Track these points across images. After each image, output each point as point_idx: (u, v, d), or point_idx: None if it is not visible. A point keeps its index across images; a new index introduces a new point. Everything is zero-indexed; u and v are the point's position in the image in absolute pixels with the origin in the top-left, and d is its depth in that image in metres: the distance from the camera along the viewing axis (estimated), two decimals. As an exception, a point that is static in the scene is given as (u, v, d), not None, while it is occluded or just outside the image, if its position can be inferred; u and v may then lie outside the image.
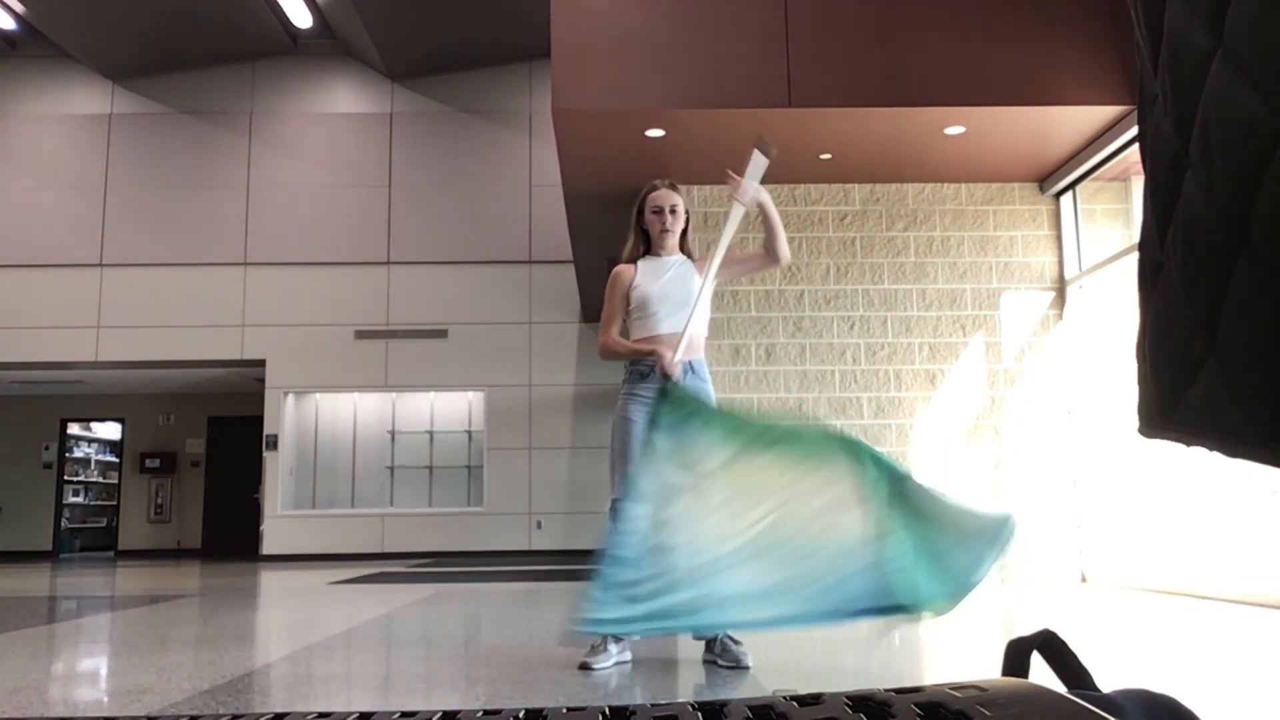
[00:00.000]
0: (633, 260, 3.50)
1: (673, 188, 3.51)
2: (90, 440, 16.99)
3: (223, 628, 4.72)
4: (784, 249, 3.40)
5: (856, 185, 7.12)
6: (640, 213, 3.51)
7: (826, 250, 7.03)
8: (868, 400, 6.87)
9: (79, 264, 12.55)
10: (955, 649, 3.84)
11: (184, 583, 8.37)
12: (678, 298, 3.37)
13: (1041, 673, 0.66)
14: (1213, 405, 0.61)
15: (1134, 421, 0.72)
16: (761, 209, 3.33)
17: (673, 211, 3.45)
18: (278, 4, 11.82)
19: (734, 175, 3.23)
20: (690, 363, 3.36)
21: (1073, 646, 0.66)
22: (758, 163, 3.21)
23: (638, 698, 2.77)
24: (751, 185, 3.22)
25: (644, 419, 3.26)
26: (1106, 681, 0.64)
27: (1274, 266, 0.55)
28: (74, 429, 16.12)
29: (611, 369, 12.86)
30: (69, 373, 13.16)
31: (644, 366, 3.35)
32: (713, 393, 3.43)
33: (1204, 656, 3.55)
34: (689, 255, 3.55)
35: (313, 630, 4.59)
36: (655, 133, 6.20)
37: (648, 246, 3.52)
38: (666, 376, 3.21)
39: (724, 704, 0.60)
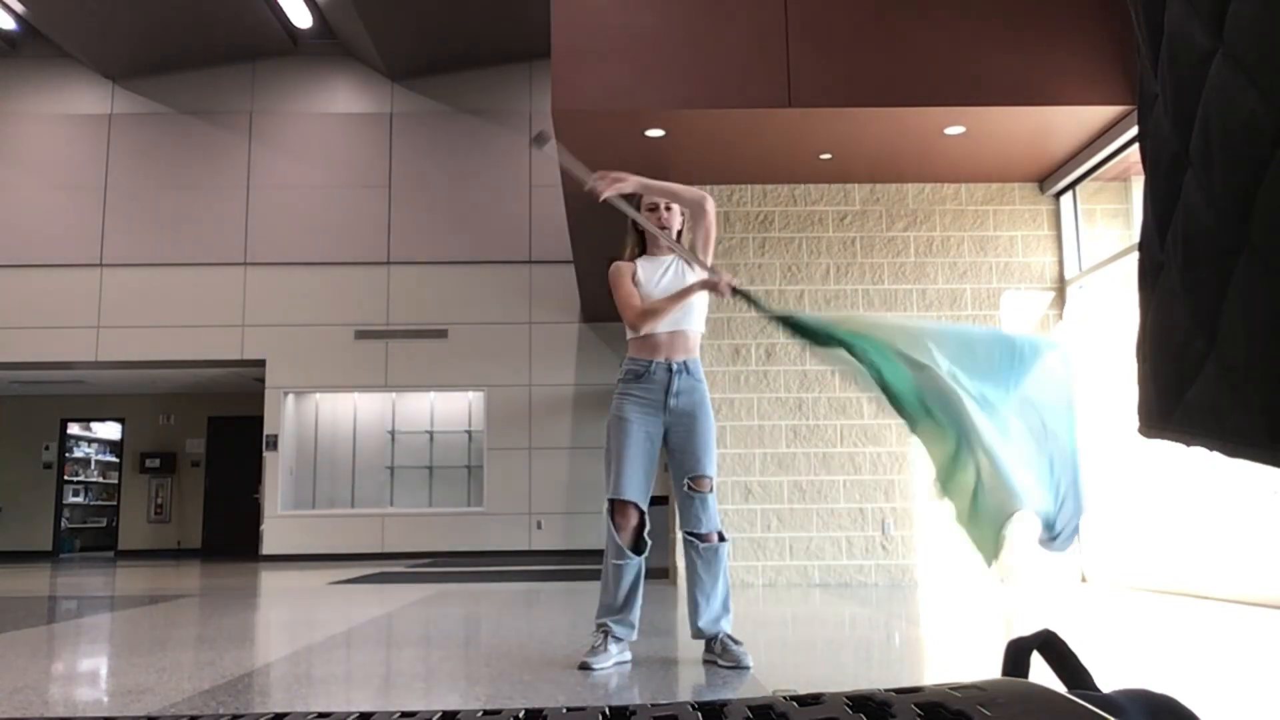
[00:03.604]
0: (632, 260, 3.53)
1: None
2: (90, 440, 16.98)
3: (222, 628, 4.71)
4: (691, 196, 3.41)
5: (856, 185, 7.12)
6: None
7: (826, 250, 7.03)
8: (868, 400, 6.87)
9: (79, 264, 12.54)
10: (955, 649, 3.84)
11: (184, 583, 8.37)
12: None
13: (1041, 673, 0.66)
14: (1213, 405, 0.61)
15: (1134, 421, 0.72)
16: (644, 190, 3.36)
17: (668, 209, 3.48)
18: (278, 4, 11.81)
19: (599, 177, 3.20)
20: (685, 362, 3.38)
21: (1073, 646, 0.66)
22: (560, 156, 3.24)
23: (638, 698, 2.77)
24: (590, 176, 3.19)
25: (639, 418, 3.28)
26: (1106, 681, 0.64)
27: (1274, 266, 0.55)
28: (74, 429, 16.12)
29: (610, 369, 12.81)
30: (69, 373, 13.16)
31: (639, 366, 3.37)
32: (707, 392, 3.45)
33: (1204, 656, 3.55)
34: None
35: (313, 630, 4.59)
36: (655, 133, 6.20)
37: (643, 248, 3.56)
38: (742, 294, 3.15)
39: (724, 704, 0.60)
